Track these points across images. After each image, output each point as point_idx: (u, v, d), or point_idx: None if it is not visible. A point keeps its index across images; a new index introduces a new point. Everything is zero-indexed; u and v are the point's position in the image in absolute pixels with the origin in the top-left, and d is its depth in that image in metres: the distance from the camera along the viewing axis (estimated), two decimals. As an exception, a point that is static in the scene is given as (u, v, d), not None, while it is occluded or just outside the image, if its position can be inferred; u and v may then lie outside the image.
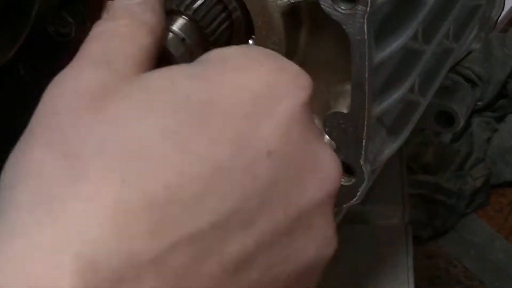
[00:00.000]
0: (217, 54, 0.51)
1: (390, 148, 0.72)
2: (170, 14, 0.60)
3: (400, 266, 1.10)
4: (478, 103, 2.55)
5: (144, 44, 0.52)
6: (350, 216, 1.13)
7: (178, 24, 0.60)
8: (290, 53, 0.65)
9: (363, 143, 0.63)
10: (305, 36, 0.65)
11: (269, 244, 0.46)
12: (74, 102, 0.47)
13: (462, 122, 0.89)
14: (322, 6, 0.58)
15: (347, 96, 0.63)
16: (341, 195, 0.68)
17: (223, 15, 0.62)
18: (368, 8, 0.57)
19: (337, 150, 0.63)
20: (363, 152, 0.64)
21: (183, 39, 0.59)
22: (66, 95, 0.48)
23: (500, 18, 0.97)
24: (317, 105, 0.68)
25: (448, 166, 2.42)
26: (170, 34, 0.59)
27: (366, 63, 0.58)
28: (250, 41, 0.64)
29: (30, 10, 0.56)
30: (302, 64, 0.67)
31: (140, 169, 0.43)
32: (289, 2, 0.62)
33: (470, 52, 0.97)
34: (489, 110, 2.58)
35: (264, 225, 0.46)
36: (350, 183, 0.66)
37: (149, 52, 0.52)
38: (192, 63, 0.51)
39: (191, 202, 0.43)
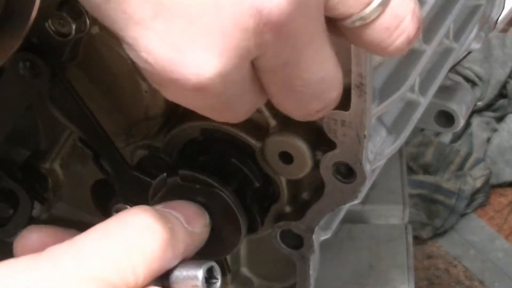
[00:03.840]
0: None
1: (390, 148, 0.72)
2: None
3: (400, 266, 1.10)
4: (478, 103, 2.55)
5: None
6: (350, 216, 1.14)
7: None
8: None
9: (364, 142, 0.63)
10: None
11: None
12: None
13: (462, 122, 0.89)
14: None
15: (348, 96, 0.63)
16: (341, 195, 0.68)
17: None
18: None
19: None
20: (363, 152, 0.64)
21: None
22: None
23: (500, 18, 0.97)
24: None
25: (448, 166, 2.42)
26: None
27: (366, 62, 0.58)
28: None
29: (30, 10, 0.56)
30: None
31: None
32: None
33: (470, 52, 0.97)
34: (489, 110, 2.59)
35: None
36: (350, 183, 0.66)
37: None
38: None
39: None
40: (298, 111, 0.53)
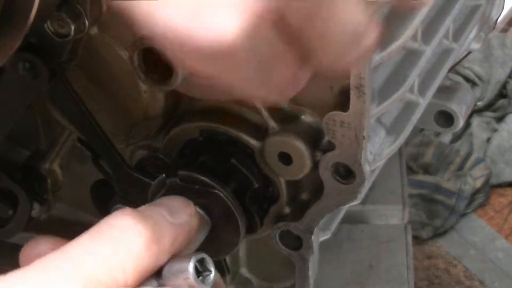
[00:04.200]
0: None
1: (390, 148, 0.72)
2: None
3: (400, 266, 1.10)
4: (478, 103, 2.55)
5: None
6: (350, 217, 1.14)
7: None
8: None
9: (363, 143, 0.63)
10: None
11: None
12: None
13: (462, 122, 0.89)
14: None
15: (347, 97, 0.63)
16: (340, 196, 0.68)
17: None
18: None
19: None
20: (362, 152, 0.64)
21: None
22: None
23: (500, 18, 0.97)
24: (317, 106, 0.68)
25: (448, 166, 2.42)
26: None
27: (365, 63, 0.58)
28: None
29: (29, 11, 0.56)
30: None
31: None
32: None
33: (470, 52, 0.97)
34: (489, 110, 2.59)
35: None
36: (349, 184, 0.66)
37: None
38: None
39: None
40: (339, 63, 0.50)
